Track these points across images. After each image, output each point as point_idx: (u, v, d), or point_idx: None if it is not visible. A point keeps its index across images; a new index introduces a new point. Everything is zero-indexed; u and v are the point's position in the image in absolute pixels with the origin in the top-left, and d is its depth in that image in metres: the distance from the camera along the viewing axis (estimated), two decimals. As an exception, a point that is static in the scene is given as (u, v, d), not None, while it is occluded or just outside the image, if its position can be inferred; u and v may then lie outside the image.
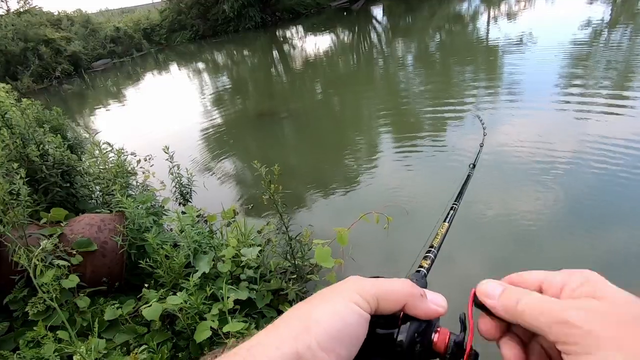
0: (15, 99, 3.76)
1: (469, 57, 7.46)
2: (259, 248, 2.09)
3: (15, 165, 2.03)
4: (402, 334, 0.32)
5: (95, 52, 17.60)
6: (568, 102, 4.54)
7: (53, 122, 4.01)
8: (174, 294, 1.83)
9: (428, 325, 0.33)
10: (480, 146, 0.73)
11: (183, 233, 2.17)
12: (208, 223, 3.03)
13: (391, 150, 4.33)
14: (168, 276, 1.98)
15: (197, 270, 1.96)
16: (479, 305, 0.33)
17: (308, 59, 11.08)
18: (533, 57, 6.48)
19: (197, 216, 3.08)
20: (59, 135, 2.87)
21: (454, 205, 0.52)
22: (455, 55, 7.84)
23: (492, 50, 7.66)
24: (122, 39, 18.86)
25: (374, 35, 13.03)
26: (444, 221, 0.49)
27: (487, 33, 9.38)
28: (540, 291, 0.31)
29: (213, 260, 2.07)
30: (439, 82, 6.36)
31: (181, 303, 1.69)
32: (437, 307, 0.34)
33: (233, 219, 2.80)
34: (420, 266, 0.44)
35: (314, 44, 13.37)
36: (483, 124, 0.80)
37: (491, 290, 0.32)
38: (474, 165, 0.68)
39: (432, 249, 0.45)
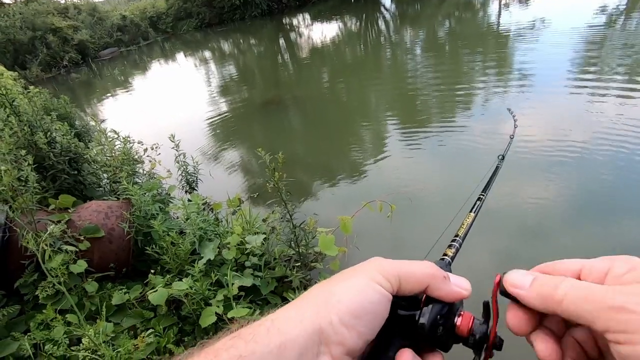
0: (23, 87, 3.79)
1: (479, 44, 7.30)
2: (264, 236, 2.10)
3: (23, 152, 2.05)
4: (424, 316, 0.32)
5: (102, 40, 17.60)
6: (583, 87, 4.44)
7: (60, 110, 4.04)
8: (180, 280, 1.85)
9: (451, 308, 0.32)
10: (511, 138, 0.72)
11: (189, 220, 2.19)
12: (214, 211, 3.05)
13: (398, 139, 4.29)
14: (174, 262, 2.01)
15: (202, 257, 1.98)
16: (504, 293, 0.31)
17: (315, 47, 10.95)
18: (546, 42, 6.32)
19: (203, 204, 3.10)
20: (66, 123, 2.89)
21: (481, 196, 0.50)
22: (465, 43, 7.67)
23: (504, 36, 7.48)
24: (129, 27, 18.82)
25: (381, 23, 12.80)
26: (470, 211, 0.47)
27: (499, 19, 9.14)
28: (579, 279, 0.28)
29: (218, 247, 2.09)
30: (448, 70, 6.24)
31: (187, 289, 1.71)
32: (460, 290, 0.33)
33: (238, 207, 2.81)
34: (445, 254, 0.43)
35: (320, 31, 13.20)
36: (514, 115, 0.78)
37: (520, 279, 0.30)
38: (503, 157, 0.66)
39: (457, 238, 0.44)
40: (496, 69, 5.77)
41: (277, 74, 9.08)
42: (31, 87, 3.41)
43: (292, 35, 14.14)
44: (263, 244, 2.09)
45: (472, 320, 0.32)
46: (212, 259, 1.96)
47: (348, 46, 10.45)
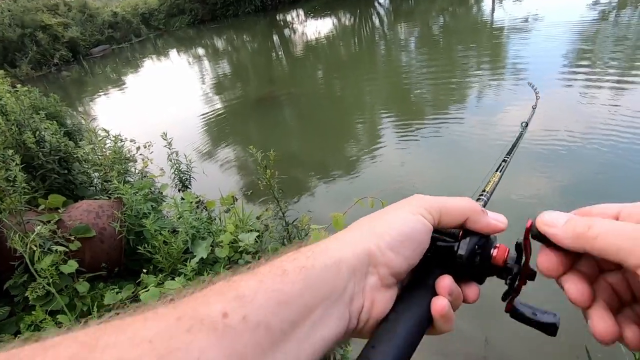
0: (10, 85, 3.73)
1: (473, 39, 7.30)
2: (257, 233, 2.09)
3: (11, 152, 2.01)
4: (463, 247, 0.34)
5: (94, 38, 17.39)
6: (575, 79, 4.46)
7: (50, 109, 3.98)
8: (172, 279, 1.84)
9: (487, 240, 0.34)
10: (533, 108, 0.77)
11: (181, 219, 2.17)
12: (207, 209, 3.03)
13: (393, 135, 4.28)
14: (166, 261, 1.99)
15: (195, 256, 1.96)
16: (536, 237, 0.31)
17: (309, 43, 10.89)
18: (540, 35, 6.34)
19: (196, 202, 3.08)
20: (55, 122, 2.85)
21: (506, 158, 0.54)
22: (459, 38, 7.67)
23: (497, 31, 7.48)
24: (120, 24, 18.59)
25: (376, 19, 12.75)
26: (496, 171, 0.51)
27: (492, 14, 9.14)
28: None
29: (211, 245, 2.07)
30: (443, 65, 6.24)
31: (179, 288, 1.70)
32: (498, 223, 0.34)
33: (232, 205, 2.79)
34: None
35: (314, 27, 13.13)
36: (535, 88, 0.84)
37: (554, 218, 0.30)
38: (527, 124, 0.71)
39: (485, 193, 0.47)
40: (490, 64, 5.78)
41: (271, 71, 9.03)
42: (19, 86, 3.35)
43: (286, 31, 14.05)
44: (256, 241, 2.08)
45: (507, 251, 0.34)
46: (204, 257, 1.94)
47: (342, 42, 10.41)
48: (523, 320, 0.34)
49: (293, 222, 1.89)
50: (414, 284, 0.34)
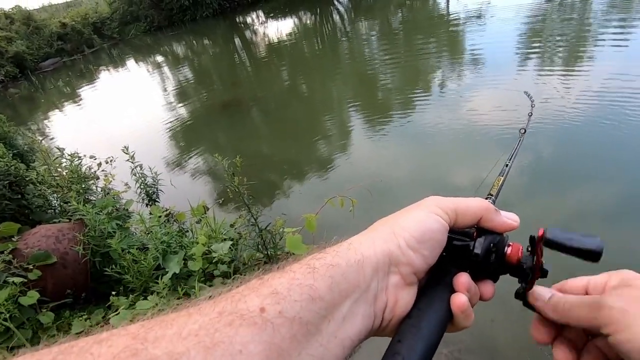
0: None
1: (432, 31, 7.50)
2: (231, 242, 2.05)
3: (-48, 180, 1.85)
4: (478, 244, 0.35)
5: (42, 51, 16.38)
6: (530, 62, 4.70)
7: (-3, 131, 3.70)
8: (145, 298, 1.76)
9: (501, 238, 0.36)
10: (529, 115, 0.80)
11: (150, 235, 2.09)
12: (178, 222, 2.93)
13: (362, 131, 4.33)
14: (137, 281, 1.91)
15: (167, 272, 1.89)
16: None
17: (272, 44, 10.79)
18: (494, 22, 6.64)
19: (166, 216, 2.98)
20: (2, 144, 2.65)
21: (508, 163, 0.59)
22: (419, 32, 7.86)
23: (454, 21, 7.73)
24: (71, 35, 17.62)
25: (336, 16, 12.83)
26: (499, 175, 0.55)
27: (448, 5, 9.43)
28: (587, 294, 0.34)
29: (184, 259, 2.01)
30: (405, 59, 6.37)
31: (152, 307, 1.63)
32: (511, 221, 0.36)
33: (204, 215, 2.71)
34: None
35: (276, 28, 13.03)
36: (531, 97, 0.87)
37: (540, 294, 0.35)
38: (525, 131, 0.73)
39: (491, 196, 0.50)
40: (450, 53, 5.97)
41: (235, 74, 8.87)
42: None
43: (248, 33, 13.85)
44: (231, 249, 2.04)
45: (521, 249, 0.35)
46: (177, 272, 1.88)
47: (305, 41, 10.39)
48: (560, 248, 0.33)
49: (266, 227, 1.86)
50: (433, 282, 0.35)
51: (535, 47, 5.26)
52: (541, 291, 0.35)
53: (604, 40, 4.98)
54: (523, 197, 2.70)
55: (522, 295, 0.36)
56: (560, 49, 5.00)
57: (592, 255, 0.31)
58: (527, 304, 0.36)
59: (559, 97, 3.79)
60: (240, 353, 0.24)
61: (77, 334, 1.73)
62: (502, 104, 3.86)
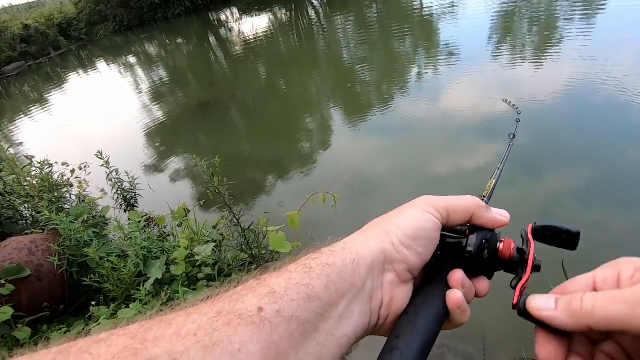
0: None
1: (406, 24, 7.56)
2: (214, 244, 2.01)
3: None
4: (471, 242, 0.35)
5: (4, 55, 15.58)
6: (502, 54, 4.82)
7: (-41, 140, 3.49)
8: (127, 306, 1.72)
9: (493, 234, 0.36)
10: (517, 121, 0.83)
11: (129, 241, 2.03)
12: (159, 226, 2.86)
13: (341, 125, 4.34)
14: (118, 289, 1.86)
15: (149, 278, 1.85)
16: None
17: (247, 41, 10.62)
18: (466, 14, 6.75)
19: (146, 220, 2.90)
20: (-36, 154, 2.51)
21: (499, 167, 0.61)
22: (394, 24, 7.91)
23: (427, 14, 7.83)
24: (35, 37, 16.82)
25: (311, 11, 12.75)
26: (491, 178, 0.57)
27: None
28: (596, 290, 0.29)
29: (166, 264, 1.96)
30: (382, 53, 6.41)
31: (134, 315, 1.59)
32: (501, 217, 0.37)
33: (185, 218, 2.66)
34: None
35: (251, 25, 12.84)
36: (514, 105, 0.88)
37: (545, 302, 0.29)
38: (514, 136, 0.76)
39: (484, 197, 0.50)
40: (425, 46, 6.05)
41: (211, 73, 8.70)
42: None
43: (222, 31, 13.58)
44: (214, 251, 2.01)
45: (513, 244, 0.36)
46: (160, 278, 1.83)
47: (282, 37, 10.28)
48: (548, 236, 0.35)
49: (249, 226, 1.84)
50: (428, 280, 0.36)
51: (506, 40, 5.39)
52: (543, 300, 0.30)
53: (570, 30, 5.16)
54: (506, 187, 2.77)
55: (523, 312, 0.31)
56: (531, 38, 5.14)
57: (575, 236, 0.33)
58: (528, 317, 0.31)
59: (532, 86, 3.91)
60: (239, 352, 0.24)
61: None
62: (478, 94, 3.94)
